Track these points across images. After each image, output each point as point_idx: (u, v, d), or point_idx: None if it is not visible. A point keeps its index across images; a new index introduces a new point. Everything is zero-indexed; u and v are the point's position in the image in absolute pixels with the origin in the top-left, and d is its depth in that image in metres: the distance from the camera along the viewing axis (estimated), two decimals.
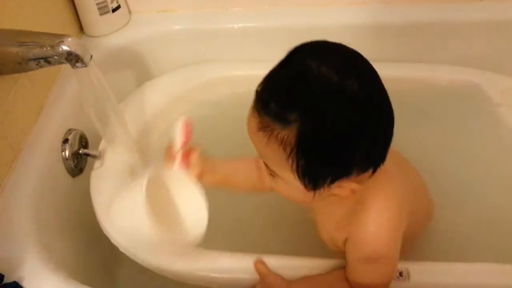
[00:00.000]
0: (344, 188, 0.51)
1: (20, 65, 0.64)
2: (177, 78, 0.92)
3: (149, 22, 0.96)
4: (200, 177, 0.62)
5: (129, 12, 0.97)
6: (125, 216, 0.60)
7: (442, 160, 0.88)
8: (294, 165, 0.48)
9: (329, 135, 0.45)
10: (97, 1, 0.88)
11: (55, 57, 0.62)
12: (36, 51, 0.62)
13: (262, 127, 0.48)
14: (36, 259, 0.61)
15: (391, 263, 0.57)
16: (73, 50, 0.61)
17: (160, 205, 0.59)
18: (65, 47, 0.61)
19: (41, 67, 0.64)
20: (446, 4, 0.93)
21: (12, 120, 0.69)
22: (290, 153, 0.47)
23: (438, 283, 0.61)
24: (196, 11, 0.97)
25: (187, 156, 0.62)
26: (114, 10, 0.92)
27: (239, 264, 0.62)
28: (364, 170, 0.50)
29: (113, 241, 0.67)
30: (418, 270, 0.60)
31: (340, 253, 0.61)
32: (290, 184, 0.51)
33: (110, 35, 0.93)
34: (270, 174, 0.53)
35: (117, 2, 0.92)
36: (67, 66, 0.79)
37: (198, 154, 0.63)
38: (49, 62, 0.63)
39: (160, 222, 0.55)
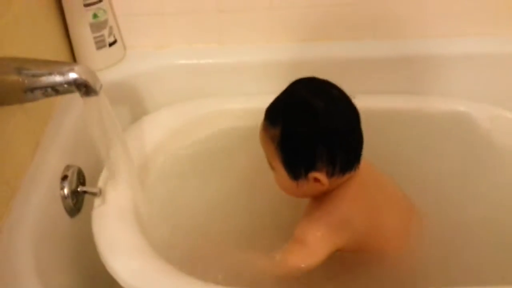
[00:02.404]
0: (318, 181, 0.65)
1: (25, 94, 0.59)
2: (175, 112, 0.91)
3: (144, 57, 0.95)
4: None
5: (124, 47, 0.96)
6: None
7: (437, 186, 0.90)
8: (280, 156, 0.66)
9: (295, 135, 0.65)
10: (94, 35, 0.86)
11: (65, 85, 0.59)
12: (44, 79, 0.58)
13: (263, 129, 0.68)
14: None
15: (308, 254, 0.66)
16: (83, 78, 0.59)
17: None
18: (75, 75, 0.58)
19: (47, 96, 0.60)
20: (434, 39, 0.98)
21: (9, 155, 0.64)
22: (277, 146, 0.66)
23: None
24: (191, 47, 0.97)
25: None
26: (111, 45, 0.90)
27: None
28: (331, 168, 0.65)
29: (120, 281, 0.62)
30: None
31: None
32: (282, 175, 0.68)
33: (105, 70, 0.90)
34: (272, 169, 0.70)
35: (114, 36, 0.90)
36: (62, 99, 0.76)
37: None
38: (57, 91, 0.59)
39: None
